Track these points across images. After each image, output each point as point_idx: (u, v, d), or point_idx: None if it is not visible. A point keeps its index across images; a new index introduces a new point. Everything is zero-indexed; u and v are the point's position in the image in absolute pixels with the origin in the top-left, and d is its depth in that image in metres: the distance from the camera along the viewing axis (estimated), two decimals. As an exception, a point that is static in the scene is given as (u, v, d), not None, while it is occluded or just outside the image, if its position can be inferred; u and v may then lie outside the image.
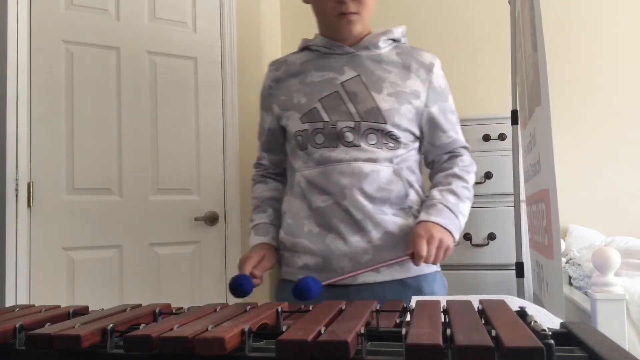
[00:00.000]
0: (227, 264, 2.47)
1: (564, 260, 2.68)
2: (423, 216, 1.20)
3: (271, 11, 2.94)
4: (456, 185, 1.26)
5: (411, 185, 1.26)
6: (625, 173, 2.86)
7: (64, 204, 2.15)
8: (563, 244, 2.73)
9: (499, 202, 2.41)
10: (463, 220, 1.24)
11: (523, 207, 2.33)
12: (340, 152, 1.22)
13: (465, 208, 1.26)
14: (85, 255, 2.18)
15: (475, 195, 2.41)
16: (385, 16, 3.10)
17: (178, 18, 2.43)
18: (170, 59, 2.40)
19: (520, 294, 2.26)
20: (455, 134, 1.32)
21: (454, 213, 1.21)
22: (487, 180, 2.42)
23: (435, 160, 1.34)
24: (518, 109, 2.37)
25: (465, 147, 1.34)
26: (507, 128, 2.42)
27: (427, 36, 3.00)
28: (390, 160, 1.24)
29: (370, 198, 1.20)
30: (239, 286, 1.06)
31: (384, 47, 1.31)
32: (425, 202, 1.26)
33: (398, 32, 1.33)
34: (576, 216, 2.86)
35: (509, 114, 2.39)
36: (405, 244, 1.21)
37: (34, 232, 2.08)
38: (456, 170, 1.29)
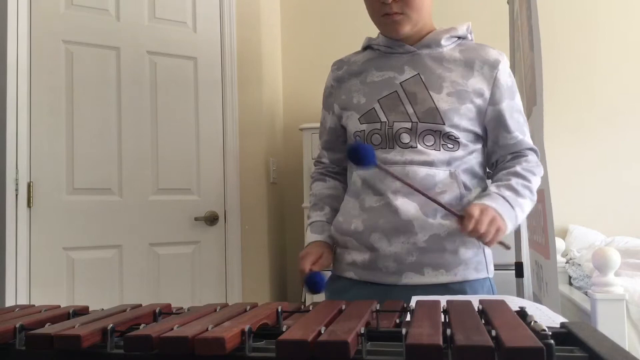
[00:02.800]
0: (227, 264, 2.47)
1: (564, 260, 2.68)
2: (477, 201, 1.16)
3: (271, 11, 2.94)
4: (515, 182, 1.20)
5: (469, 189, 1.22)
6: (625, 173, 2.86)
7: (64, 204, 2.15)
8: (563, 244, 2.73)
9: (499, 202, 2.41)
10: (521, 214, 1.18)
11: (523, 207, 2.33)
12: (395, 154, 1.20)
13: (524, 204, 1.19)
14: (85, 255, 2.18)
15: (475, 195, 2.43)
16: (385, 16, 3.11)
17: (178, 18, 2.43)
18: (170, 59, 2.40)
19: (520, 294, 2.26)
20: (521, 134, 1.26)
21: (509, 203, 1.16)
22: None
23: (499, 160, 1.29)
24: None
25: (532, 150, 1.28)
26: (507, 128, 2.41)
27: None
28: (448, 163, 1.20)
29: (422, 202, 1.17)
30: (314, 284, 1.11)
31: (447, 45, 1.27)
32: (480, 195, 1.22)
33: (463, 28, 1.29)
34: (576, 216, 2.86)
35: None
36: (452, 246, 1.18)
37: (34, 232, 2.08)
38: (518, 168, 1.23)
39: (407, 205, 1.18)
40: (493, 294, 1.27)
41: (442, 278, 1.19)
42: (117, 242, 2.25)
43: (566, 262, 2.68)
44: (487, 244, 1.12)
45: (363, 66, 1.31)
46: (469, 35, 1.31)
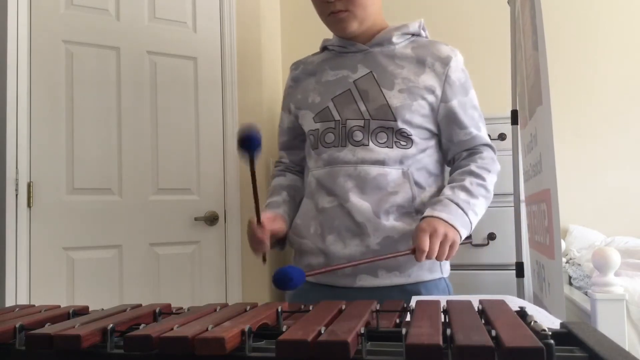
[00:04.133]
0: (227, 263, 2.47)
1: (564, 260, 2.68)
2: (427, 212, 1.15)
3: (271, 11, 2.94)
4: (470, 181, 1.20)
5: (422, 188, 1.22)
6: (625, 173, 2.86)
7: (64, 204, 2.15)
8: (563, 244, 2.73)
9: (499, 202, 2.41)
10: (474, 217, 1.18)
11: (523, 207, 2.33)
12: (347, 153, 1.20)
13: (478, 205, 1.19)
14: (85, 255, 2.18)
15: (475, 195, 2.43)
16: (384, 16, 3.11)
17: (178, 18, 2.43)
18: (170, 59, 2.40)
19: (520, 294, 2.26)
20: (476, 130, 1.26)
21: (462, 209, 1.16)
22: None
23: (455, 157, 1.29)
24: (518, 109, 2.37)
25: (488, 145, 1.29)
26: (507, 128, 2.42)
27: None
28: (400, 162, 1.20)
29: (374, 202, 1.18)
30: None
31: (399, 42, 1.27)
32: (434, 199, 1.22)
33: (415, 25, 1.30)
34: (576, 216, 2.86)
35: (509, 114, 2.39)
36: (405, 248, 1.17)
37: (34, 232, 2.08)
38: (473, 167, 1.23)
39: (360, 207, 1.18)
40: (449, 293, 1.26)
41: (396, 280, 1.19)
42: (117, 242, 2.25)
43: (566, 262, 2.68)
44: (447, 259, 1.12)
45: (318, 66, 1.32)
46: (422, 32, 1.32)
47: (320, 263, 1.21)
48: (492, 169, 1.26)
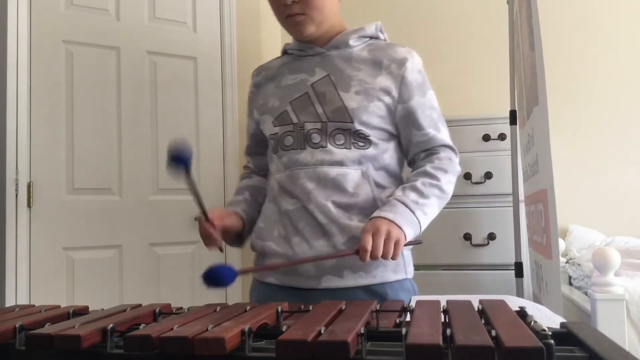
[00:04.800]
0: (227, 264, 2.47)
1: (564, 260, 2.68)
2: (375, 213, 1.15)
3: (271, 11, 2.94)
4: (422, 182, 1.20)
5: (383, 188, 1.23)
6: (625, 173, 2.86)
7: (64, 204, 2.14)
8: (563, 244, 2.73)
9: (499, 202, 2.41)
10: (423, 217, 1.16)
11: (522, 207, 2.33)
12: (306, 155, 1.21)
13: (428, 206, 1.18)
14: (85, 255, 2.18)
15: (475, 195, 2.43)
16: (383, 16, 3.11)
17: (178, 18, 2.43)
18: (170, 59, 2.40)
19: (520, 294, 2.26)
20: (434, 131, 1.26)
21: (409, 209, 1.14)
22: (486, 180, 2.42)
23: (415, 158, 1.30)
24: (516, 109, 2.38)
25: (447, 146, 1.28)
26: (507, 128, 2.42)
27: (425, 36, 3.00)
28: (359, 162, 1.21)
29: (336, 203, 1.19)
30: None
31: (356, 45, 1.29)
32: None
33: (371, 28, 1.31)
34: (576, 216, 2.86)
35: (508, 114, 2.39)
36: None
37: (34, 232, 2.08)
38: (428, 167, 1.23)
39: (322, 208, 1.18)
40: (414, 294, 1.26)
41: (362, 280, 1.19)
42: (117, 242, 2.25)
43: (566, 262, 2.68)
44: (393, 259, 1.10)
45: (278, 70, 1.33)
46: (380, 35, 1.33)
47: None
48: (449, 170, 1.24)
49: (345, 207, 1.19)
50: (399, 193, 1.19)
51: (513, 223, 2.31)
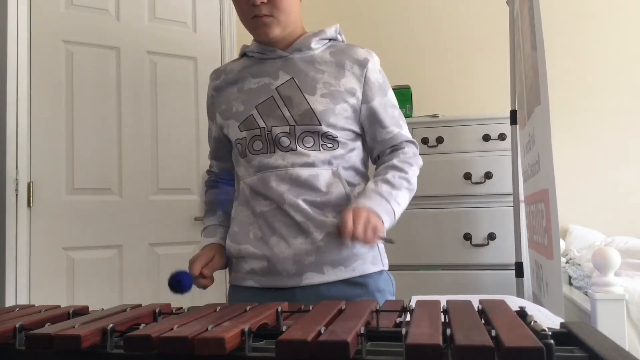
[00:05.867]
0: (227, 264, 2.47)
1: (564, 260, 2.68)
2: (352, 204, 1.19)
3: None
4: (392, 175, 1.24)
5: (353, 186, 1.26)
6: (625, 173, 2.86)
7: (64, 204, 2.14)
8: (563, 244, 2.73)
9: (499, 202, 2.41)
10: (397, 207, 1.21)
11: (522, 207, 2.33)
12: (277, 158, 1.22)
13: (400, 196, 1.23)
14: (85, 255, 2.18)
15: (475, 195, 2.43)
16: (384, 17, 3.11)
17: (178, 18, 2.43)
18: (170, 59, 2.40)
19: (520, 294, 2.26)
20: (397, 128, 1.31)
21: (384, 198, 1.19)
22: (487, 180, 2.41)
23: (380, 155, 1.34)
24: (517, 109, 2.38)
25: (410, 142, 1.33)
26: (507, 128, 2.42)
27: (426, 37, 3.00)
28: (329, 162, 1.23)
29: (310, 202, 1.20)
30: (177, 282, 1.07)
31: (318, 48, 1.30)
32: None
33: (331, 30, 1.33)
34: (576, 216, 2.86)
35: (508, 114, 2.39)
36: (348, 244, 1.20)
37: (34, 232, 2.08)
38: (395, 161, 1.28)
39: (297, 206, 1.20)
40: (392, 284, 1.30)
41: (342, 274, 1.22)
42: (117, 242, 2.25)
43: (566, 262, 2.68)
44: (369, 243, 1.13)
45: (239, 74, 1.32)
46: (338, 37, 1.34)
47: (263, 266, 1.23)
48: (414, 163, 1.30)
49: (319, 205, 1.21)
50: (372, 185, 1.23)
51: (513, 223, 2.31)
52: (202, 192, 1.46)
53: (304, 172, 1.21)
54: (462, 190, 2.42)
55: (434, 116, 2.55)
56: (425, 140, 2.44)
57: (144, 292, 2.27)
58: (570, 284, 2.58)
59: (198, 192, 2.43)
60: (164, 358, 0.63)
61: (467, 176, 2.41)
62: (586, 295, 2.14)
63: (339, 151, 1.25)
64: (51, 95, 2.14)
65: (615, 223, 2.82)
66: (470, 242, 2.40)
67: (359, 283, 1.22)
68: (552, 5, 2.89)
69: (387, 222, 1.17)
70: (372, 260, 1.26)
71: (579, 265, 2.53)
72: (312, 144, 1.23)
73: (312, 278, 1.20)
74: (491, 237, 2.39)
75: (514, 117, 2.37)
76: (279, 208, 1.21)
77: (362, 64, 1.27)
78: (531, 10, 1.74)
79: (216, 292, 2.43)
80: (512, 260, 2.30)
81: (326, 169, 1.23)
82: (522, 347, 0.51)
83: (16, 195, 2.03)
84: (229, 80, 1.34)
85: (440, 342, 0.55)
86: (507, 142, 2.41)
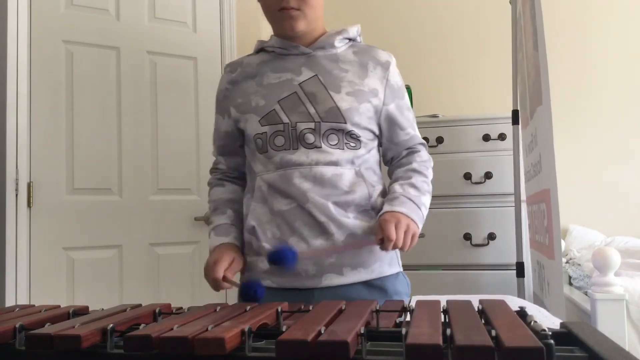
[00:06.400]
0: (227, 264, 2.47)
1: (564, 260, 2.68)
2: (386, 207, 1.20)
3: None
4: (416, 179, 1.27)
5: (373, 187, 1.26)
6: (625, 173, 2.86)
7: (64, 204, 2.14)
8: (563, 244, 2.73)
9: (499, 202, 2.41)
10: (425, 211, 1.25)
11: (524, 207, 2.33)
12: (301, 155, 1.21)
13: (426, 200, 1.27)
14: (85, 255, 2.18)
15: (475, 195, 2.43)
16: (384, 16, 3.11)
17: (178, 18, 2.43)
18: (170, 59, 2.40)
19: (521, 294, 2.26)
20: (412, 130, 1.34)
21: (416, 204, 1.22)
22: (487, 180, 2.42)
23: (395, 156, 1.35)
24: (519, 108, 2.38)
25: (422, 144, 1.36)
26: (507, 128, 2.42)
27: (428, 36, 3.00)
28: (352, 162, 1.23)
29: (334, 202, 1.20)
30: (254, 294, 1.06)
31: (340, 47, 1.30)
32: (387, 196, 1.27)
33: (353, 30, 1.33)
34: (576, 216, 2.86)
35: (510, 114, 2.39)
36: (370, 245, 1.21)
37: (34, 232, 2.08)
38: (415, 165, 1.30)
39: (320, 205, 1.19)
40: (408, 285, 1.31)
41: (361, 276, 1.22)
42: (117, 242, 2.24)
43: (566, 262, 2.68)
44: (408, 250, 1.17)
45: (258, 68, 1.31)
46: (358, 38, 1.35)
47: (277, 266, 1.21)
48: (430, 166, 1.34)
49: (342, 205, 1.21)
50: (399, 190, 1.24)
51: (515, 223, 2.31)
52: (208, 191, 1.41)
53: (329, 171, 1.20)
54: (462, 190, 2.42)
55: (434, 116, 2.55)
56: (425, 140, 2.44)
57: (144, 292, 2.26)
58: (570, 284, 2.58)
59: (198, 192, 2.43)
60: (164, 358, 0.63)
61: (467, 176, 2.41)
62: (586, 295, 2.14)
63: (361, 151, 1.25)
64: (51, 95, 2.14)
65: (615, 223, 2.83)
66: (471, 242, 2.40)
67: (377, 286, 1.22)
68: (553, 6, 2.88)
69: (420, 227, 1.21)
70: (389, 261, 1.27)
71: (579, 265, 2.53)
72: (336, 142, 1.22)
73: (332, 279, 1.20)
74: (491, 237, 2.39)
75: (515, 117, 2.37)
76: (300, 207, 1.19)
77: (385, 66, 1.29)
78: (533, 10, 1.74)
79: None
80: (512, 260, 2.30)
81: (349, 168, 1.22)
82: (522, 347, 0.51)
83: (16, 195, 2.03)
84: (246, 73, 1.32)
85: (440, 342, 0.55)
86: (507, 142, 2.41)
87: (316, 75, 1.25)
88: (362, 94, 1.24)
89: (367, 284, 1.22)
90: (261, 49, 1.34)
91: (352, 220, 1.20)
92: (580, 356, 0.57)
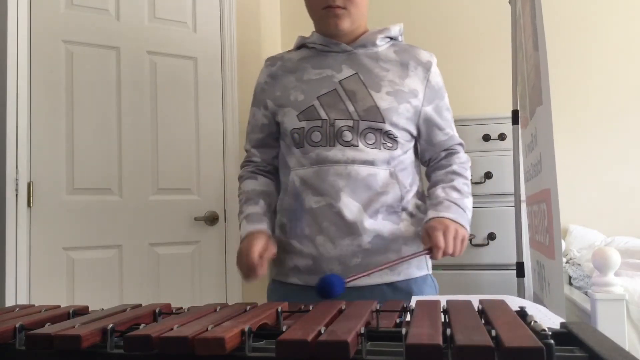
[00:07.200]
0: (227, 264, 2.47)
1: (564, 260, 2.67)
2: (432, 214, 1.20)
3: (271, 11, 2.94)
4: (458, 182, 1.27)
5: (407, 189, 1.25)
6: (625, 173, 2.86)
7: (64, 204, 2.14)
8: (563, 244, 2.72)
9: (499, 202, 2.41)
10: (470, 214, 1.25)
11: (523, 207, 2.33)
12: (337, 152, 1.20)
13: (469, 203, 1.26)
14: (85, 255, 2.18)
15: (475, 195, 2.41)
16: (384, 15, 3.10)
17: (178, 18, 2.43)
18: (170, 59, 2.40)
19: (521, 294, 2.26)
20: (451, 131, 1.33)
21: (461, 208, 1.22)
22: (487, 180, 2.41)
23: (433, 158, 1.33)
24: (519, 108, 2.37)
25: (460, 144, 1.35)
26: (507, 128, 2.42)
27: (427, 36, 3.00)
28: (388, 162, 1.22)
29: (364, 202, 1.19)
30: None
31: (382, 45, 1.30)
32: (429, 201, 1.26)
33: (395, 30, 1.33)
34: (576, 216, 2.86)
35: (509, 114, 2.39)
36: (396, 246, 1.21)
37: (34, 232, 2.08)
38: (455, 167, 1.29)
39: (350, 206, 1.18)
40: (436, 289, 1.31)
41: (387, 278, 1.21)
42: (117, 242, 2.24)
43: (566, 262, 2.68)
44: (458, 255, 1.16)
45: (298, 64, 1.31)
46: (400, 37, 1.35)
47: (308, 265, 1.21)
48: (469, 167, 1.34)
49: (373, 206, 1.20)
50: (442, 194, 1.24)
51: (515, 223, 2.31)
52: (239, 184, 1.38)
53: (364, 171, 1.20)
54: (462, 190, 2.41)
55: (434, 116, 2.54)
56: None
57: (144, 292, 2.26)
58: (570, 284, 2.58)
59: (198, 192, 2.43)
60: (164, 358, 0.63)
61: (467, 176, 2.41)
62: (586, 295, 2.14)
63: (397, 152, 1.24)
64: (51, 95, 2.14)
65: (615, 223, 2.82)
66: (471, 242, 2.40)
67: (403, 288, 1.21)
68: (553, 6, 2.88)
69: (468, 229, 1.21)
70: (417, 264, 1.25)
71: (579, 265, 2.53)
72: (373, 141, 1.21)
73: (358, 280, 1.17)
74: (491, 237, 2.39)
75: (515, 117, 2.37)
76: (330, 205, 1.19)
77: (426, 66, 1.29)
78: (533, 10, 1.74)
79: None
80: (512, 260, 2.30)
81: (384, 169, 1.22)
82: (522, 347, 0.51)
83: (16, 195, 2.03)
84: (286, 68, 1.32)
85: (440, 342, 0.55)
86: (507, 142, 2.41)
87: (357, 73, 1.24)
88: (402, 94, 1.24)
89: (393, 285, 1.21)
90: (302, 44, 1.34)
91: (379, 222, 1.20)
92: (580, 356, 0.57)
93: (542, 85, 1.59)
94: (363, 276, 1.09)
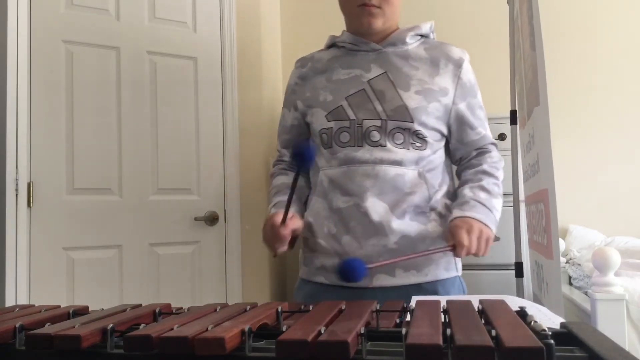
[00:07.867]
0: (227, 264, 2.47)
1: (564, 260, 2.68)
2: (457, 213, 1.18)
3: (271, 11, 2.94)
4: (487, 182, 1.24)
5: (436, 189, 1.23)
6: (625, 173, 2.86)
7: (64, 204, 2.14)
8: (563, 244, 2.73)
9: (499, 202, 2.41)
10: (497, 215, 1.22)
11: (522, 207, 2.33)
12: (365, 152, 1.20)
13: (497, 204, 1.23)
14: (85, 255, 2.18)
15: (475, 195, 2.43)
16: (385, 16, 3.11)
17: (178, 18, 2.43)
18: (170, 59, 2.40)
19: (520, 294, 2.26)
20: (484, 130, 1.29)
21: (487, 208, 1.19)
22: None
23: (464, 157, 1.31)
24: (517, 109, 2.37)
25: (493, 144, 1.31)
26: (506, 128, 2.41)
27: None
28: (416, 163, 1.21)
29: (392, 203, 1.18)
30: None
31: (412, 43, 1.28)
32: (456, 200, 1.24)
33: (426, 27, 1.31)
34: (576, 216, 2.86)
35: (508, 114, 2.39)
36: (423, 247, 1.19)
37: (34, 232, 2.08)
38: (485, 167, 1.26)
39: (377, 206, 1.18)
40: (464, 291, 1.29)
41: (414, 279, 1.20)
42: (117, 242, 2.24)
43: (566, 262, 2.68)
44: (482, 255, 1.15)
45: (328, 64, 1.30)
46: (431, 34, 1.33)
47: (334, 264, 1.20)
48: (501, 167, 1.29)
49: (400, 207, 1.19)
50: (470, 193, 1.21)
51: (513, 223, 2.31)
52: (270, 180, 1.40)
53: (391, 171, 1.18)
54: (462, 190, 2.41)
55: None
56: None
57: (144, 292, 2.26)
58: (570, 284, 2.58)
59: (198, 192, 2.43)
60: (164, 358, 0.63)
61: (467, 176, 2.40)
62: (586, 295, 2.14)
63: (426, 152, 1.22)
64: (51, 95, 2.14)
65: (615, 223, 2.82)
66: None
67: (430, 290, 1.20)
68: (551, 6, 2.88)
69: (494, 230, 1.19)
70: (445, 265, 1.24)
71: (579, 265, 2.53)
72: (401, 141, 1.20)
73: (383, 280, 1.18)
74: (491, 237, 2.39)
75: (513, 117, 2.37)
76: (357, 205, 1.18)
77: (458, 64, 1.26)
78: (530, 11, 1.74)
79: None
80: (512, 260, 2.30)
81: (412, 169, 1.20)
82: (522, 347, 0.51)
83: (16, 195, 2.03)
84: (316, 69, 1.32)
85: (440, 342, 0.55)
86: (507, 142, 2.41)
87: (385, 72, 1.23)
88: (432, 92, 1.22)
89: (419, 287, 1.20)
90: (332, 44, 1.34)
91: (406, 222, 1.19)
92: (580, 356, 0.57)
93: (539, 86, 1.59)
94: (385, 264, 1.09)
